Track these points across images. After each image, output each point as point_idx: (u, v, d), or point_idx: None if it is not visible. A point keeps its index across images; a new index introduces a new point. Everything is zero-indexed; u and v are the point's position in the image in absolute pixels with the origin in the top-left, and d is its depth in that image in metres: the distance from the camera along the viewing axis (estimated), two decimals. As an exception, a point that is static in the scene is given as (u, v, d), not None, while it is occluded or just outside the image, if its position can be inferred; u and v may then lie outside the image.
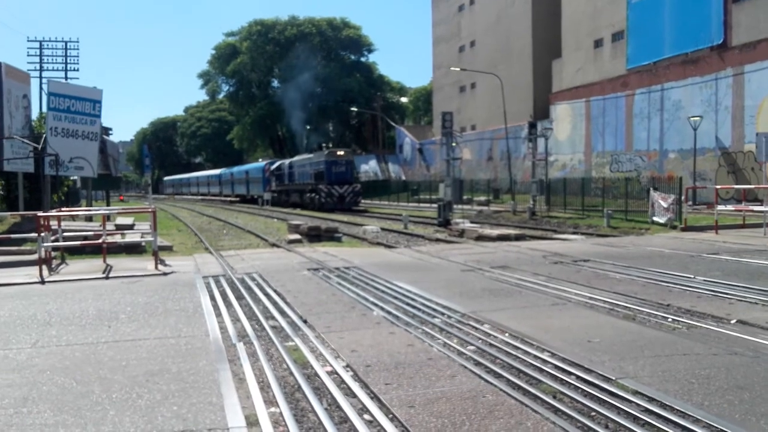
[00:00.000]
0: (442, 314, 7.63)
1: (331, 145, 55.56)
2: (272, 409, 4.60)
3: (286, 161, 53.42)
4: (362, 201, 45.58)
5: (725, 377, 5.02)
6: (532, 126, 34.54)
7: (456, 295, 8.76)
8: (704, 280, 9.53)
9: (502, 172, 49.20)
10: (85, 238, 14.28)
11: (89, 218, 18.65)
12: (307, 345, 6.37)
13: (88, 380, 5.27)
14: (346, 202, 41.29)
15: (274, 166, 55.04)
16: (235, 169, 73.68)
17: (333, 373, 5.41)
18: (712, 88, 32.40)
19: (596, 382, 5.01)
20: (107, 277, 11.14)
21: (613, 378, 5.07)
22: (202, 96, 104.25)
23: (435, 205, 28.73)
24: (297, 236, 19.64)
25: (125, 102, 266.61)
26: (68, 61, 54.93)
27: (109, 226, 16.31)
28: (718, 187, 21.91)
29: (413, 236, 21.05)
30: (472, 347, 6.15)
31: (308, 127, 76.37)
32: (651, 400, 4.58)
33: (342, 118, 76.88)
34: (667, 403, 4.48)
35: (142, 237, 16.09)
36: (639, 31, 37.97)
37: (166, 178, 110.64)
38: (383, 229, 23.50)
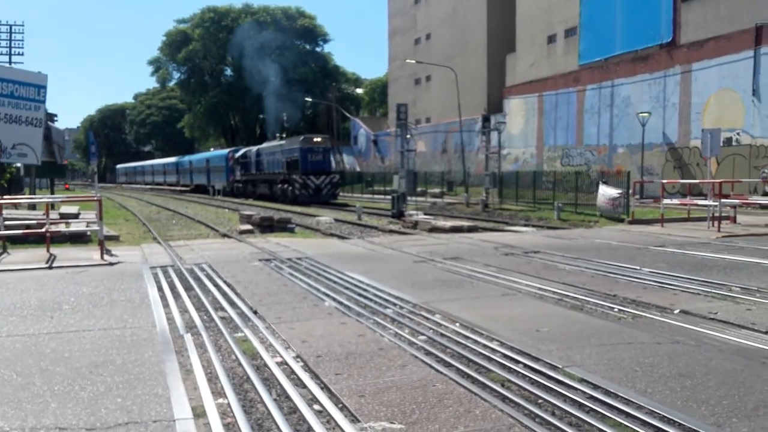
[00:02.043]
0: (394, 305, 7.64)
1: (285, 135, 53.90)
2: (220, 400, 4.54)
3: (254, 148, 48.27)
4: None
5: (668, 365, 5.15)
6: (486, 119, 34.80)
7: (408, 286, 8.78)
8: (650, 272, 9.77)
9: (456, 165, 49.56)
10: (28, 226, 13.83)
11: (32, 206, 18.13)
12: (257, 336, 6.30)
13: (29, 372, 5.12)
14: (324, 194, 37.42)
15: (239, 154, 50.28)
16: (195, 156, 68.45)
17: (283, 364, 5.37)
18: (661, 85, 33.20)
19: (544, 370, 5.09)
20: (51, 267, 10.82)
21: (560, 366, 5.15)
22: (152, 83, 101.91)
23: (389, 197, 28.76)
24: (249, 227, 19.40)
25: (72, 88, 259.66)
26: (12, 45, 53.23)
27: (54, 215, 15.85)
28: (665, 181, 22.48)
29: (367, 227, 21.05)
30: (423, 337, 6.17)
31: (261, 116, 75.46)
32: (596, 387, 4.67)
33: (296, 109, 76.23)
34: (612, 391, 4.58)
35: (87, 226, 15.67)
36: (591, 27, 38.64)
37: (119, 166, 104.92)
38: (337, 220, 23.43)
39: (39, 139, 16.10)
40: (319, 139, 39.64)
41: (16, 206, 16.20)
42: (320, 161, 38.33)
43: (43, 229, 12.82)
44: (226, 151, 56.60)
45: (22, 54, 54.77)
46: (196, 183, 62.65)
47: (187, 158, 69.89)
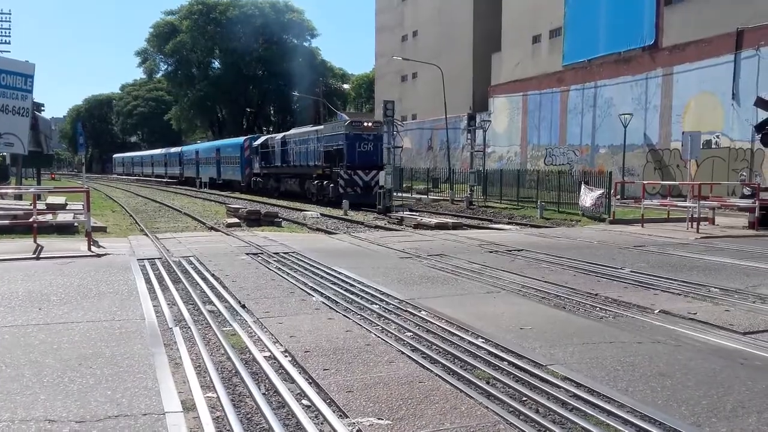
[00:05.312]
0: (381, 300, 7.72)
1: (271, 129, 52.37)
2: (209, 394, 4.58)
3: (278, 135, 40.62)
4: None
5: (648, 365, 5.27)
6: (471, 118, 35.02)
7: (394, 282, 8.87)
8: (631, 272, 9.92)
9: (441, 162, 49.69)
10: (15, 217, 13.76)
11: (19, 197, 18.02)
12: (245, 330, 6.35)
13: (18, 363, 5.13)
14: (375, 193, 27.69)
15: (258, 142, 42.68)
16: (202, 145, 61.03)
17: (271, 359, 5.42)
18: (643, 87, 33.53)
19: (528, 367, 5.18)
20: (38, 258, 10.78)
21: (544, 364, 5.25)
22: (139, 74, 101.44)
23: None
24: (236, 220, 19.44)
25: (58, 77, 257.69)
26: (-1, 33, 52.68)
27: (40, 206, 15.76)
28: (646, 182, 22.74)
29: (353, 223, 21.11)
30: (409, 333, 6.26)
31: (248, 110, 75.21)
32: (579, 385, 4.77)
33: (283, 103, 76.12)
34: (594, 389, 4.68)
35: (74, 217, 15.61)
36: (575, 28, 38.89)
37: (115, 156, 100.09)
38: (323, 215, 23.49)
39: (26, 129, 15.99)
40: (370, 124, 30.98)
41: (2, 196, 16.10)
42: (371, 152, 29.94)
43: (31, 220, 12.76)
44: (240, 139, 48.84)
45: (9, 43, 54.29)
46: (205, 176, 54.40)
47: (192, 147, 63.01)
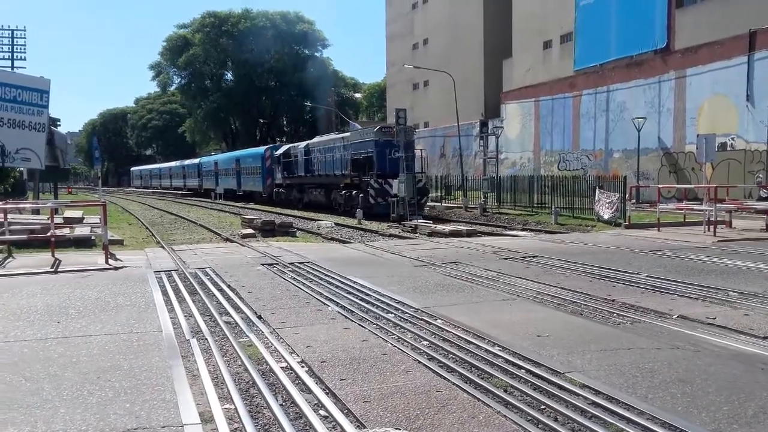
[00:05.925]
0: (396, 309, 7.72)
1: (284, 140, 51.89)
2: (227, 406, 4.60)
3: (301, 144, 38.42)
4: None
5: (668, 371, 5.22)
6: (484, 124, 35.00)
7: (409, 291, 8.87)
8: (647, 276, 9.85)
9: (454, 169, 49.61)
10: (33, 231, 13.90)
11: (37, 211, 18.22)
12: (261, 341, 6.37)
13: (37, 377, 5.18)
14: (411, 203, 25.81)
15: (280, 151, 40.70)
16: (221, 156, 59.44)
17: (288, 369, 5.44)
18: (656, 90, 33.36)
19: (545, 375, 5.16)
20: (56, 272, 10.89)
21: (562, 372, 5.22)
22: (153, 88, 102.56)
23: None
24: (251, 231, 19.48)
25: (74, 92, 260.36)
26: (15, 50, 53.42)
27: (58, 220, 15.91)
28: (661, 186, 22.64)
29: (367, 231, 21.10)
30: (425, 342, 6.25)
31: (262, 121, 75.67)
32: (598, 393, 4.74)
33: (296, 113, 76.51)
34: (613, 396, 4.65)
35: (91, 231, 15.75)
36: (586, 33, 38.81)
37: (133, 169, 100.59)
38: (337, 224, 23.49)
39: (42, 144, 16.20)
40: None
41: (20, 211, 16.30)
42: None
43: (48, 234, 12.89)
44: (261, 148, 46.86)
45: (25, 59, 54.95)
46: (225, 188, 52.53)
47: (211, 158, 61.53)
